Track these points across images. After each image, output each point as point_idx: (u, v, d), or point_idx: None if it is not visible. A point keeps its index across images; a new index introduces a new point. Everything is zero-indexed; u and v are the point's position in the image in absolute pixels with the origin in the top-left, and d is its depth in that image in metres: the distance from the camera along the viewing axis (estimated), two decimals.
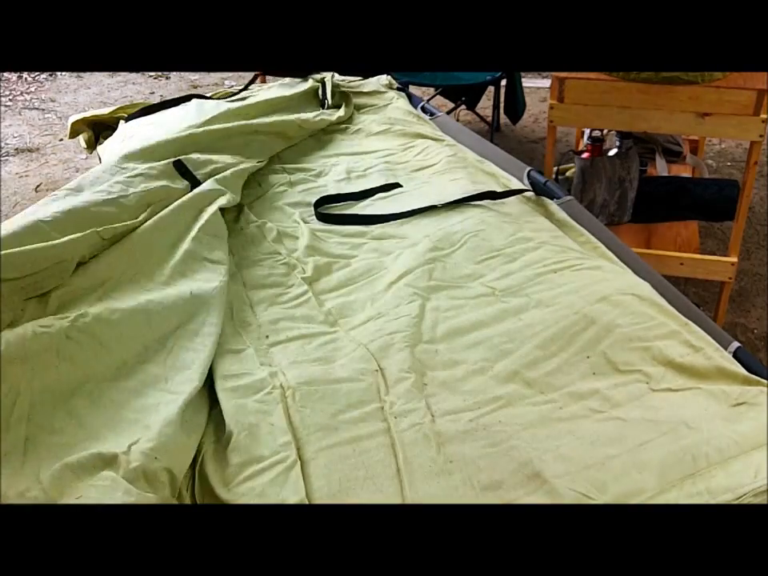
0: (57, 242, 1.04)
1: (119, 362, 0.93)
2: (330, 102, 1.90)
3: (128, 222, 1.18)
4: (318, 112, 1.85)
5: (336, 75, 2.07)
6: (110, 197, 1.21)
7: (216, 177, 1.42)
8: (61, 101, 3.80)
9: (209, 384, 1.00)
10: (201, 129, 1.58)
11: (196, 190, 1.34)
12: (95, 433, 0.83)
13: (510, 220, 1.34)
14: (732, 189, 2.09)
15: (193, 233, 1.23)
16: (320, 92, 1.95)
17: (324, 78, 1.97)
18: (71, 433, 0.82)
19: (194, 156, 1.46)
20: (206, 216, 1.28)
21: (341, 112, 1.86)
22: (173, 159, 1.40)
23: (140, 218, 1.20)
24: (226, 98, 2.01)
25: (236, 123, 1.64)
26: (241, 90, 2.04)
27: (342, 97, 1.95)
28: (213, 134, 1.58)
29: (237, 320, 1.12)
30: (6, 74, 4.02)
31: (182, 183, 1.37)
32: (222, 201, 1.34)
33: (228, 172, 1.46)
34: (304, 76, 2.04)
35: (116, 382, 0.92)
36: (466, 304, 1.12)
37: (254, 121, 1.67)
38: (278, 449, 0.86)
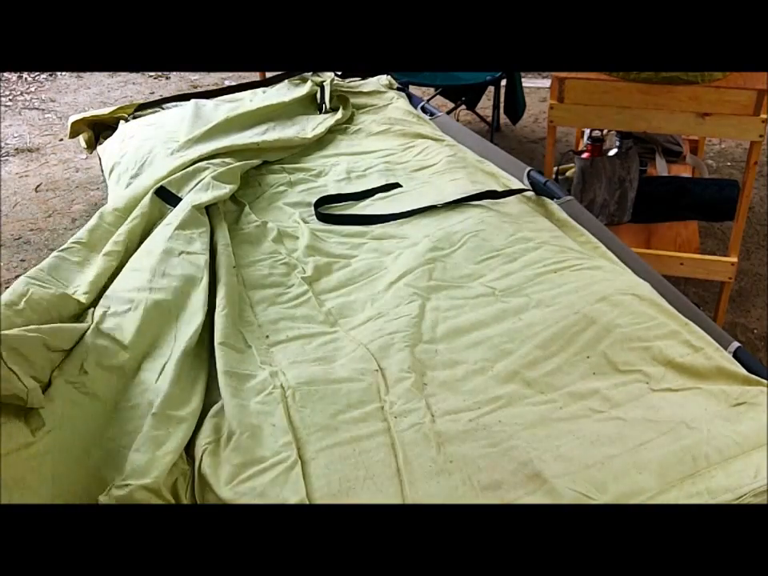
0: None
1: (121, 407, 0.94)
2: (328, 107, 1.89)
3: None
4: (317, 121, 1.84)
5: (335, 76, 2.06)
6: (114, 263, 1.22)
7: (204, 180, 1.42)
8: (61, 101, 3.80)
9: (206, 379, 1.00)
10: (204, 153, 1.57)
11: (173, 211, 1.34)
12: (106, 483, 0.83)
13: (510, 220, 1.34)
14: (732, 189, 2.09)
15: (168, 232, 1.24)
16: (318, 96, 1.94)
17: (323, 81, 1.97)
18: (94, 492, 0.82)
19: (177, 175, 1.45)
20: (181, 215, 1.28)
21: (338, 115, 1.86)
22: (155, 188, 1.39)
23: None
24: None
25: (241, 141, 1.64)
26: (232, 89, 2.05)
27: (340, 99, 1.95)
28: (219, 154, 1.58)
29: (238, 319, 1.12)
30: (6, 74, 4.02)
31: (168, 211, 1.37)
32: (198, 200, 1.34)
33: (221, 170, 1.46)
34: (303, 74, 2.04)
35: (119, 425, 0.92)
36: (465, 304, 1.12)
37: (259, 139, 1.66)
38: (279, 449, 0.86)
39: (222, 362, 0.99)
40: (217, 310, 1.09)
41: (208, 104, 1.94)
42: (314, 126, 1.81)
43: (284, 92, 1.98)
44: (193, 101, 1.95)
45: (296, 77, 2.06)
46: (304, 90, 1.95)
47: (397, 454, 0.84)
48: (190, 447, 0.90)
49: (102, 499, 0.78)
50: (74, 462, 0.84)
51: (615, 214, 2.14)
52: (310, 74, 2.04)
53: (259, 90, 2.06)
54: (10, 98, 3.82)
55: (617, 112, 1.84)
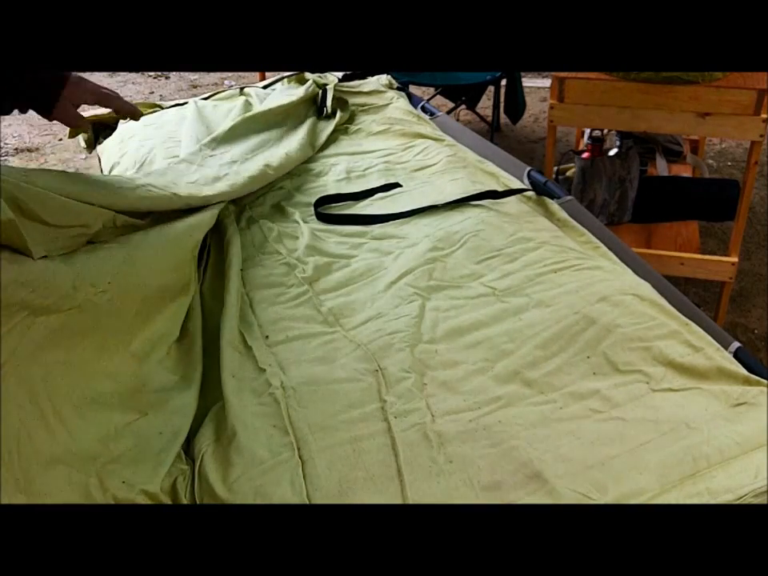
0: (83, 204, 1.03)
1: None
2: (329, 110, 1.89)
3: (137, 222, 1.16)
4: (319, 128, 1.83)
5: (337, 76, 2.06)
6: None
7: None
8: None
9: (201, 379, 1.01)
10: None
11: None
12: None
13: (510, 220, 1.34)
14: (732, 189, 2.09)
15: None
16: (319, 98, 1.93)
17: (326, 84, 1.95)
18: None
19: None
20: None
21: (336, 119, 1.85)
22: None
23: (146, 221, 1.19)
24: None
25: (255, 168, 1.61)
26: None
27: (338, 102, 1.94)
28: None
29: (239, 319, 1.12)
30: None
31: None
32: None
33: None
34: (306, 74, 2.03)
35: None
36: (466, 304, 1.12)
37: (273, 163, 1.59)
38: (279, 449, 0.86)
39: (226, 362, 0.99)
40: (225, 309, 1.10)
41: (207, 104, 1.94)
42: (316, 137, 1.78)
43: (286, 93, 1.98)
44: (191, 100, 1.95)
45: (295, 76, 2.06)
46: (304, 91, 1.93)
47: (397, 454, 0.84)
48: (189, 447, 0.90)
49: (93, 483, 0.78)
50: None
51: (615, 213, 2.15)
52: (315, 75, 2.03)
53: (260, 91, 2.05)
54: None
55: (617, 112, 1.84)
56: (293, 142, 1.68)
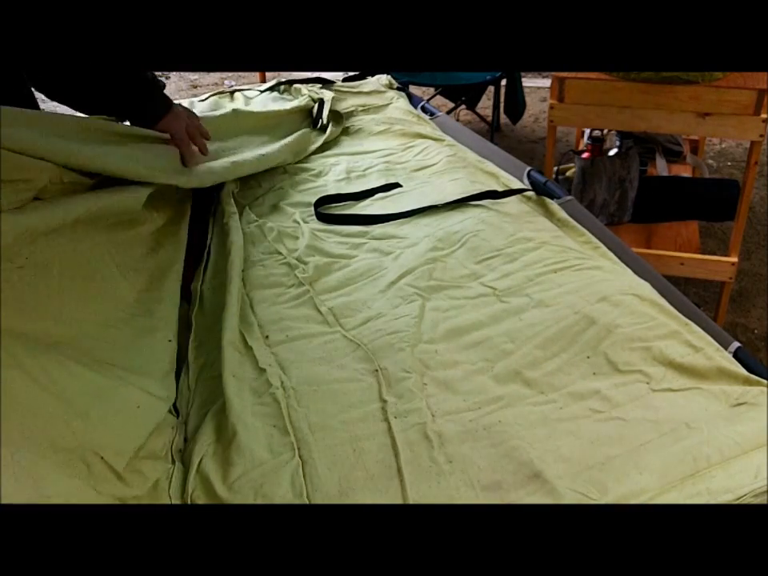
0: (27, 158, 0.99)
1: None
2: (324, 122, 1.86)
3: (85, 180, 1.13)
4: (314, 133, 1.83)
5: (337, 77, 2.05)
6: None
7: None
8: None
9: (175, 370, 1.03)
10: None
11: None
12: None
13: (510, 220, 1.34)
14: (732, 189, 2.09)
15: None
16: (314, 110, 1.90)
17: (322, 99, 1.91)
18: None
19: None
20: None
21: (327, 134, 1.81)
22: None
23: (94, 180, 1.16)
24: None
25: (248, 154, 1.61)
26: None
27: (333, 115, 1.90)
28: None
29: (239, 319, 1.12)
30: None
31: None
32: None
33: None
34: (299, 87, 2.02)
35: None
36: (466, 304, 1.12)
37: (263, 151, 1.62)
38: (279, 449, 0.86)
39: (226, 362, 0.99)
40: (226, 308, 1.10)
41: (203, 106, 1.94)
42: (299, 146, 1.76)
43: (278, 102, 1.96)
44: (188, 101, 1.96)
45: (291, 88, 2.04)
46: (301, 102, 1.91)
47: (397, 454, 0.84)
48: (188, 447, 0.90)
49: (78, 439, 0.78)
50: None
51: (615, 213, 2.15)
52: (310, 87, 2.01)
53: (255, 98, 2.04)
54: None
55: (617, 112, 1.84)
56: (275, 146, 1.67)
